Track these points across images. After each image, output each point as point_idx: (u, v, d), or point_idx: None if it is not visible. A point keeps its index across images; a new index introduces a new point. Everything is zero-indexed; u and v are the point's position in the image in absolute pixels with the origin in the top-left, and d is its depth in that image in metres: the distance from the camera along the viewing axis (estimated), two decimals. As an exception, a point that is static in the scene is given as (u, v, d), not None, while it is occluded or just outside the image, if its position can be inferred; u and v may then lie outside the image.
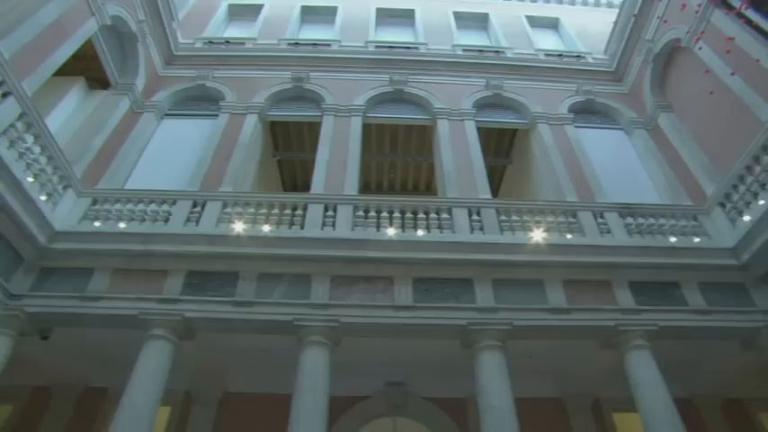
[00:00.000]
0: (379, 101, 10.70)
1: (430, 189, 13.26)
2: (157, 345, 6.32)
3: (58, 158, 7.27)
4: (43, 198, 6.92)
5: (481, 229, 7.54)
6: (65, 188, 7.48)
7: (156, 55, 10.99)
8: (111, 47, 9.78)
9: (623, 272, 7.10)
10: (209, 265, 6.96)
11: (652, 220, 7.79)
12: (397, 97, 10.82)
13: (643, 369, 6.24)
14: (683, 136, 9.50)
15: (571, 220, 7.79)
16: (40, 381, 8.40)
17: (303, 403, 5.80)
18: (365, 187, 12.40)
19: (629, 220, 7.80)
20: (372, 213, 7.61)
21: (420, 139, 11.96)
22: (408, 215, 7.62)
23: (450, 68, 11.43)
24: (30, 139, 6.70)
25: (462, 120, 10.12)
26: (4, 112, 6.22)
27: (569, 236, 7.51)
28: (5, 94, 6.27)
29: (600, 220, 7.78)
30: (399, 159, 12.76)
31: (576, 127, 10.31)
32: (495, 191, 12.18)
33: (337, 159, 8.98)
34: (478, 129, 10.08)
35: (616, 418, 8.42)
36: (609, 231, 7.62)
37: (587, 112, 10.88)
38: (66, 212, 7.39)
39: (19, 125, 6.48)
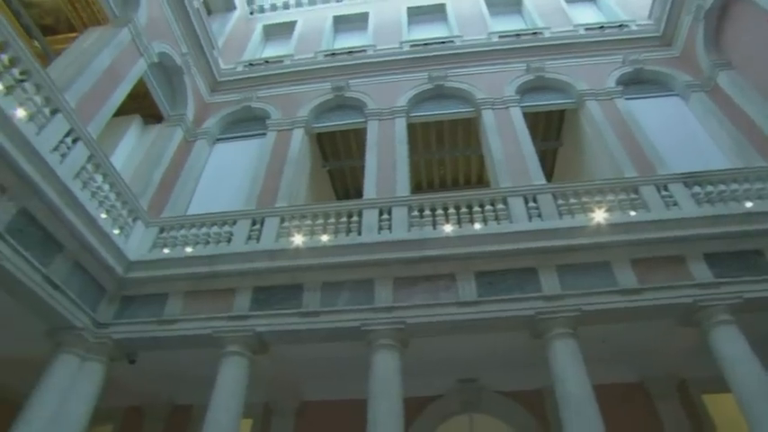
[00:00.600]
0: (420, 99, 10.69)
1: (482, 181, 13.09)
2: (233, 361, 6.60)
3: (126, 193, 7.75)
4: (116, 232, 7.39)
5: (539, 215, 7.38)
6: (134, 220, 7.95)
7: (202, 84, 11.47)
8: (160, 82, 10.29)
9: (696, 245, 6.72)
10: (274, 280, 7.18)
11: (722, 187, 7.33)
12: (437, 93, 10.77)
13: (731, 345, 5.86)
14: (746, 92, 8.90)
15: (633, 196, 7.48)
16: (133, 401, 8.96)
17: (379, 408, 5.87)
18: (417, 187, 12.42)
19: (697, 189, 7.38)
20: (427, 212, 7.61)
21: (466, 132, 11.84)
22: (463, 210, 7.56)
23: (487, 57, 11.26)
24: (99, 178, 7.19)
25: (507, 107, 9.94)
26: (75, 156, 6.71)
27: (633, 213, 7.21)
28: (75, 140, 6.77)
29: (664, 193, 7.42)
30: (447, 155, 12.68)
31: (627, 99, 9.89)
32: (548, 175, 11.88)
33: (386, 163, 9.04)
34: (524, 114, 9.87)
35: (706, 400, 7.97)
36: (675, 204, 7.25)
37: (637, 82, 10.41)
38: (137, 243, 7.85)
39: (89, 167, 6.97)
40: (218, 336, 6.76)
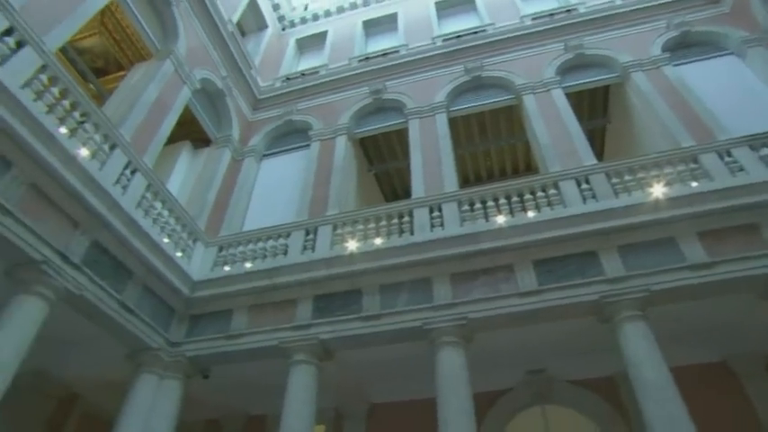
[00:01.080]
0: (458, 93, 10.59)
1: (530, 168, 12.82)
2: (301, 369, 6.77)
3: (184, 217, 8.10)
4: (179, 254, 7.73)
5: (594, 197, 7.16)
6: (194, 242, 8.30)
7: (244, 103, 11.82)
8: (205, 107, 10.68)
9: (770, 210, 6.30)
10: (332, 287, 7.31)
11: (794, 145, 6.85)
12: (476, 84, 10.64)
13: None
14: (810, 41, 8.27)
15: (693, 166, 7.11)
16: (210, 415, 9.33)
17: (448, 406, 5.85)
18: (464, 181, 12.30)
19: (765, 151, 6.92)
20: (478, 205, 7.54)
21: (508, 120, 11.64)
22: (515, 199, 7.45)
23: (522, 42, 11.03)
24: (159, 205, 7.56)
25: (548, 90, 9.70)
26: (135, 186, 7.09)
27: (694, 184, 6.84)
28: (133, 171, 7.17)
29: (728, 159, 7.01)
30: (492, 145, 12.50)
31: (675, 65, 9.41)
32: (599, 154, 11.50)
33: (431, 160, 9.02)
34: (567, 95, 9.60)
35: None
36: (741, 169, 6.82)
37: (684, 46, 9.89)
38: (199, 263, 8.18)
39: (148, 195, 7.35)
40: (284, 346, 6.95)
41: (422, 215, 7.70)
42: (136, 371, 7.19)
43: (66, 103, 6.25)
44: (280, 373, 6.85)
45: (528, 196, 7.44)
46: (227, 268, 8.03)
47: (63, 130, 6.07)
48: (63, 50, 9.30)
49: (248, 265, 7.92)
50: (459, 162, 11.14)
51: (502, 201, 7.46)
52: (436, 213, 7.66)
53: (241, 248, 8.28)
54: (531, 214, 7.16)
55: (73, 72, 10.14)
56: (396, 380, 8.22)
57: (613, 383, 7.80)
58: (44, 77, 6.02)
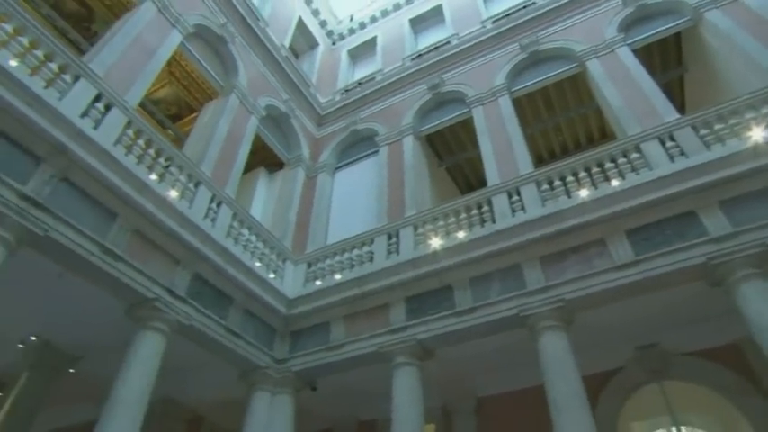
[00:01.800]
0: (517, 72, 10.29)
1: (606, 136, 12.18)
2: (404, 371, 6.85)
3: (271, 240, 8.48)
4: (272, 276, 8.11)
5: (682, 153, 6.66)
6: (284, 261, 8.66)
7: (308, 122, 12.19)
8: (273, 131, 11.13)
9: None
10: (422, 287, 7.35)
11: None
12: (534, 60, 10.28)
13: None
14: None
15: (794, 100, 6.44)
16: (323, 425, 9.65)
17: (558, 391, 5.69)
18: (539, 160, 11.92)
19: None
20: (557, 182, 7.28)
21: (575, 90, 11.14)
22: (595, 170, 7.12)
23: (577, 6, 10.49)
24: (246, 231, 7.97)
25: (612, 50, 9.16)
26: (222, 218, 7.55)
27: (798, 120, 6.20)
28: (219, 204, 7.63)
29: (834, 87, 6.29)
30: (561, 119, 12.01)
31: (756, -5, 8.56)
32: (680, 107, 10.70)
33: (501, 144, 8.83)
34: (634, 51, 9.03)
35: None
36: None
37: (763, -27, 8.98)
38: (291, 281, 8.53)
39: (235, 224, 7.79)
40: (384, 350, 7.07)
41: (501, 202, 7.56)
42: (249, 389, 7.63)
43: (151, 151, 6.78)
44: (383, 377, 6.97)
45: (609, 165, 7.08)
46: (318, 282, 8.30)
47: (153, 176, 6.58)
48: (141, 105, 10.06)
49: (338, 276, 8.14)
50: (530, 142, 10.79)
51: (582, 174, 7.16)
52: (515, 198, 7.49)
53: (328, 261, 8.53)
54: (615, 183, 6.80)
55: (152, 122, 10.96)
56: (499, 371, 8.10)
57: (738, 351, 7.17)
58: (131, 132, 6.58)
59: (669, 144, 6.85)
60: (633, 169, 6.87)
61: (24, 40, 5.64)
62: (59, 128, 5.55)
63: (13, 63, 5.31)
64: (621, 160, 7.03)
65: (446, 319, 6.93)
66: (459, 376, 8.35)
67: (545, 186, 7.37)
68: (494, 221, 7.38)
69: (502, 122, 9.22)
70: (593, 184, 6.98)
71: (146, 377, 5.87)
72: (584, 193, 6.84)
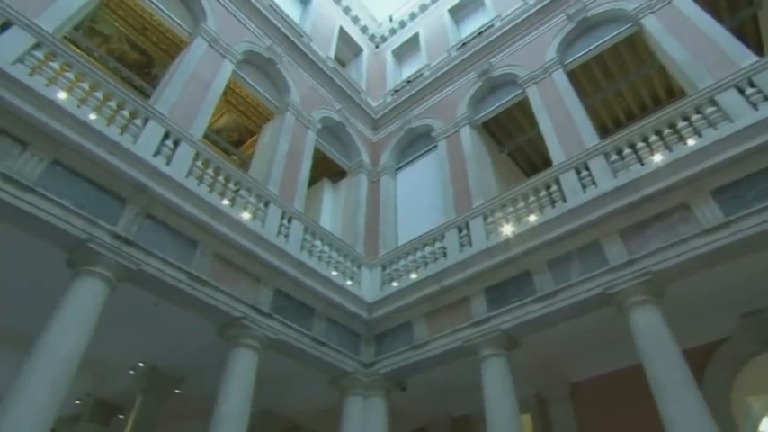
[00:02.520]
0: (568, 43, 9.88)
1: (673, 94, 11.42)
2: (492, 363, 6.76)
3: (343, 248, 8.66)
4: (349, 283, 8.27)
5: (766, 99, 6.11)
6: (358, 267, 8.81)
7: (363, 127, 12.34)
8: (330, 142, 11.36)
9: None
10: (499, 276, 7.22)
11: None
12: (584, 28, 9.82)
13: None
14: None
15: None
16: (417, 423, 9.70)
17: (656, 367, 5.38)
18: (604, 131, 11.37)
19: None
20: (627, 151, 6.90)
21: (632, 51, 10.52)
22: (666, 132, 6.68)
23: (625, -38, 9.94)
24: (318, 243, 8.18)
25: (669, 1, 8.55)
26: (294, 233, 7.82)
27: None
28: (290, 220, 7.89)
29: None
30: (621, 84, 11.40)
31: None
32: (757, 49, 9.84)
33: (562, 120, 8.51)
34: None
35: None
36: None
37: None
38: (368, 285, 8.65)
39: (307, 237, 8.03)
40: (469, 344, 7.01)
41: (569, 179, 7.28)
42: (341, 395, 7.81)
43: (220, 178, 7.12)
44: (471, 370, 6.92)
45: (682, 124, 6.60)
46: (395, 284, 8.37)
47: (225, 201, 6.92)
48: (205, 136, 10.60)
49: (413, 275, 8.16)
50: (592, 113, 10.29)
51: (653, 138, 6.74)
52: (584, 173, 7.18)
53: (402, 262, 8.58)
54: (691, 142, 6.34)
55: (217, 150, 11.50)
56: (592, 354, 7.78)
57: None
58: (199, 163, 6.96)
59: (749, 91, 6.28)
60: (710, 124, 6.38)
61: (99, 94, 6.12)
62: (137, 169, 5.98)
63: (93, 116, 5.80)
64: (695, 117, 6.55)
65: (528, 305, 6.75)
66: (550, 362, 8.11)
67: (614, 157, 7.01)
68: (564, 200, 7.11)
69: (559, 98, 8.89)
70: (668, 147, 6.55)
71: (244, 392, 6.18)
72: (658, 158, 6.43)
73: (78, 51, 9.10)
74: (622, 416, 7.21)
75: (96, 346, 5.25)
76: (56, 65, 5.81)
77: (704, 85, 6.93)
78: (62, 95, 5.60)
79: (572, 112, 8.48)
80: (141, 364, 8.38)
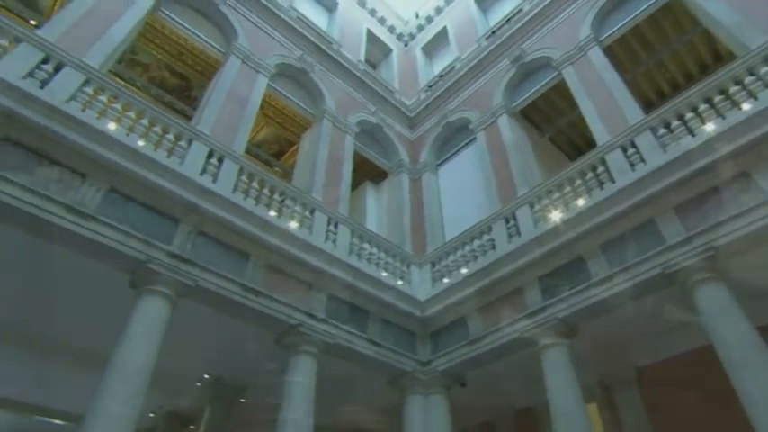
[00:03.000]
0: (602, 18, 9.55)
1: (720, 59, 10.84)
2: (552, 352, 6.63)
3: (391, 248, 8.71)
4: (400, 282, 8.30)
5: (825, 56, 5.72)
6: (408, 266, 8.82)
7: (400, 127, 12.35)
8: (369, 144, 11.44)
9: None
10: (552, 264, 7.06)
11: None
12: (617, 1, 9.47)
13: None
14: None
15: None
16: (480, 418, 9.65)
17: (729, 346, 5.14)
18: (648, 105, 10.94)
19: None
20: (675, 123, 6.58)
21: (672, 18, 10.03)
22: (717, 99, 6.31)
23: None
24: (366, 245, 8.26)
25: (710, -38, 8.15)
26: (341, 237, 7.93)
27: None
28: (336, 225, 8.00)
29: None
30: (663, 54, 10.91)
31: None
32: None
33: (602, 99, 8.24)
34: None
35: None
36: None
37: None
38: (419, 284, 8.65)
39: (355, 240, 8.13)
40: (527, 335, 6.89)
41: (615, 158, 7.03)
42: (402, 395, 7.84)
43: (265, 190, 7.32)
44: (532, 362, 6.81)
45: (734, 88, 6.21)
46: (445, 280, 8.33)
47: (272, 212, 7.10)
48: (247, 150, 10.90)
49: (464, 270, 8.10)
50: (633, 87, 9.90)
51: (702, 107, 6.40)
52: (631, 150, 6.90)
53: (451, 258, 8.53)
54: (746, 107, 5.97)
55: (259, 163, 11.78)
56: (656, 337, 7.50)
57: None
58: (244, 177, 7.17)
59: (807, 46, 5.91)
60: (767, 85, 6.02)
61: (145, 121, 6.41)
62: (186, 189, 6.22)
63: (141, 143, 6.08)
64: (749, 79, 6.17)
65: (584, 291, 6.57)
66: (612, 349, 7.85)
67: (662, 131, 6.71)
68: (613, 181, 6.87)
69: (598, 76, 8.62)
70: (720, 115, 6.20)
71: (306, 398, 6.32)
72: (709, 128, 6.11)
73: (122, 83, 9.54)
74: (691, 398, 6.96)
75: (164, 361, 5.49)
76: (104, 98, 6.13)
77: (756, 45, 6.51)
78: (112, 126, 5.90)
79: (612, 89, 8.21)
80: (206, 376, 8.70)
